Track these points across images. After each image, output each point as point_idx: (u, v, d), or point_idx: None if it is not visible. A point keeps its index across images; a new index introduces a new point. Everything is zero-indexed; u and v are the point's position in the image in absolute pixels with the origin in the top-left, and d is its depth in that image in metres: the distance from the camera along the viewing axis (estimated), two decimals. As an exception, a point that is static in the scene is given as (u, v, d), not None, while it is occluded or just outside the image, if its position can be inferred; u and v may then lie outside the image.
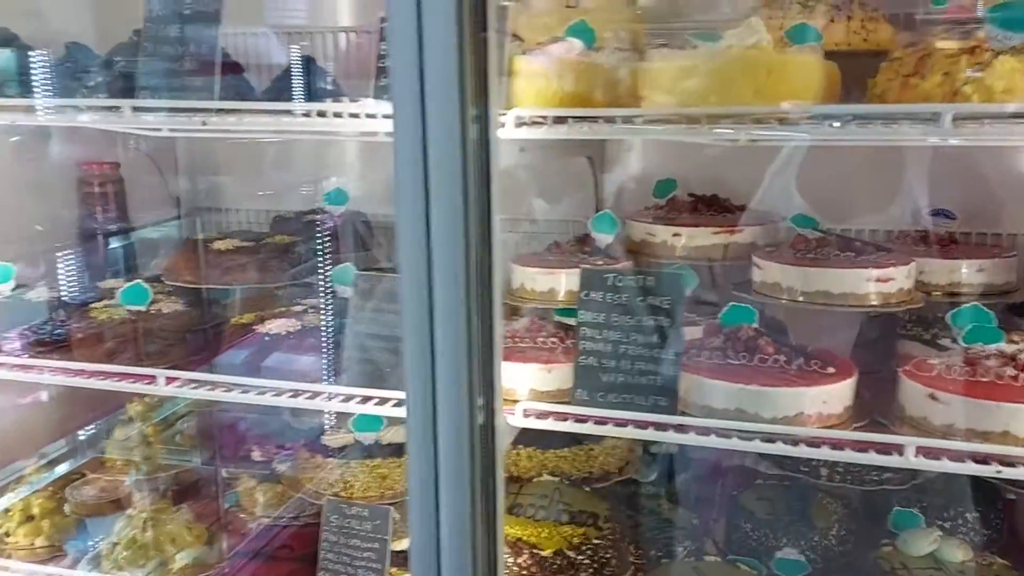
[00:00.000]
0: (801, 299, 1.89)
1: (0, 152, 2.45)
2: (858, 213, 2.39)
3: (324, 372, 1.86)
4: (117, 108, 1.81)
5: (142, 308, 2.05)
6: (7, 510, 2.24)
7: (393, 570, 1.92)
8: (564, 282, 2.03)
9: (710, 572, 1.91)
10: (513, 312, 2.16)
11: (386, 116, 1.64)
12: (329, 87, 2.29)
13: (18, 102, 1.94)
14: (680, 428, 1.60)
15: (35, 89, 1.95)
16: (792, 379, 1.62)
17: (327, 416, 2.32)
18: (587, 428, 1.65)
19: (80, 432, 2.65)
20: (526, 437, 2.14)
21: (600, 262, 2.09)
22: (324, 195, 2.68)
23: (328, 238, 2.54)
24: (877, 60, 1.72)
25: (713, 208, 2.37)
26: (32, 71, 2.02)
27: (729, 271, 2.17)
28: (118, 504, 2.33)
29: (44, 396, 2.53)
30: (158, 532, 2.10)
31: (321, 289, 2.31)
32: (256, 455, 2.47)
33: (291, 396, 1.79)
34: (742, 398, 1.58)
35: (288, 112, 1.75)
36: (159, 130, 2.05)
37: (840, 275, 1.83)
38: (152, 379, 1.87)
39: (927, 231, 2.26)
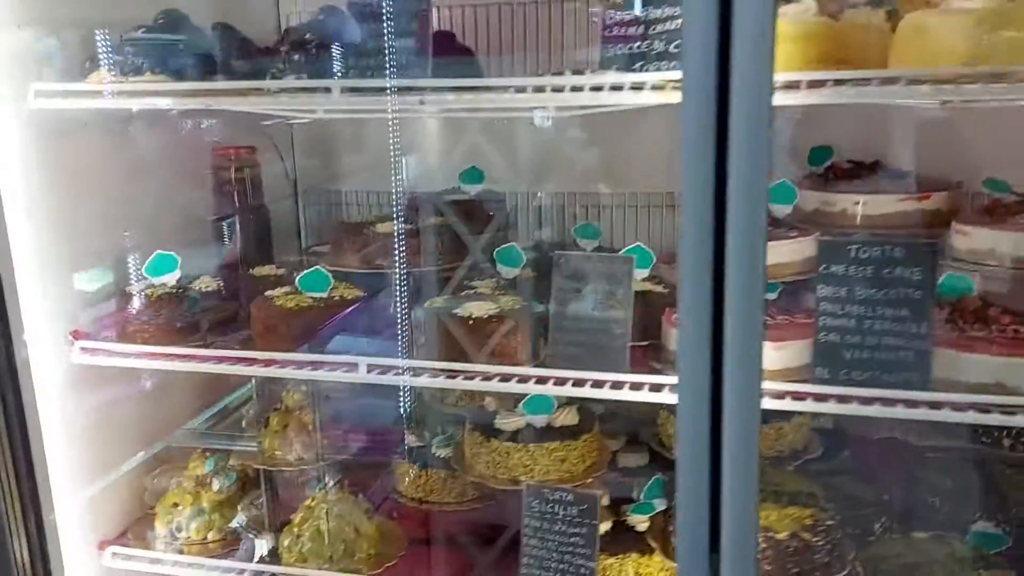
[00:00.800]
0: (1011, 265, 1.82)
1: (125, 139, 2.37)
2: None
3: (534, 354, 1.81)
4: (326, 90, 1.74)
5: (323, 295, 1.99)
6: (176, 503, 2.20)
7: (597, 555, 1.88)
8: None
9: (925, 548, 1.85)
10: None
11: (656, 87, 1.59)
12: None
13: (196, 86, 1.87)
14: (934, 405, 1.53)
15: (213, 72, 1.88)
16: (1050, 350, 1.55)
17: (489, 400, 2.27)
18: (827, 407, 1.59)
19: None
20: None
21: (794, 234, 2.03)
22: (459, 174, 2.63)
23: (473, 218, 2.48)
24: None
25: (877, 175, 2.30)
26: (195, 53, 1.95)
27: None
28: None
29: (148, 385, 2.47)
30: (341, 522, 2.05)
31: (487, 270, 2.26)
32: (411, 440, 2.42)
33: (519, 381, 1.74)
34: (1003, 371, 1.52)
35: (519, 88, 1.66)
36: (314, 111, 2.00)
37: (1066, 240, 1.76)
38: (354, 367, 1.81)
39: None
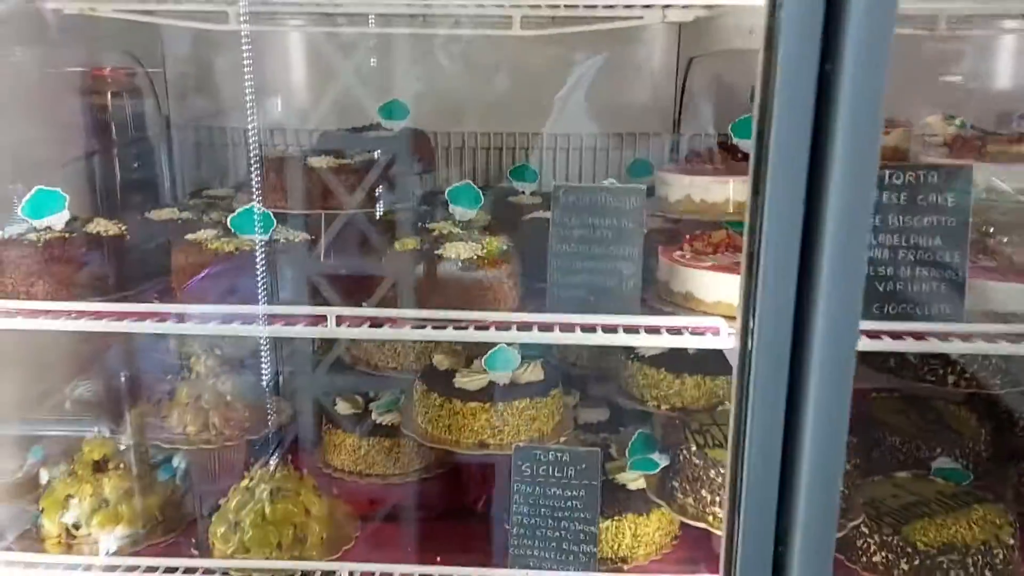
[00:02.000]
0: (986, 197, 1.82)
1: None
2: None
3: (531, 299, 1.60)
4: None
5: (264, 237, 1.67)
6: (69, 495, 1.81)
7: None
8: (733, 191, 1.87)
9: (913, 487, 1.83)
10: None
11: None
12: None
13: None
14: (966, 337, 1.48)
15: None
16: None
17: (440, 358, 2.04)
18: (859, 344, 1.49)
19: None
20: (690, 364, 1.98)
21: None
22: (379, 108, 2.35)
23: (403, 155, 2.23)
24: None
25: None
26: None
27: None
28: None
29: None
30: (288, 503, 1.76)
31: (437, 210, 2.02)
32: (343, 408, 2.15)
33: (520, 328, 1.52)
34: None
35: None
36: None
37: None
38: (322, 320, 1.52)
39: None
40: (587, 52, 2.40)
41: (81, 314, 1.56)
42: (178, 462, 2.01)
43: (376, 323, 1.56)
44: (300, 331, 1.52)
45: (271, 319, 1.55)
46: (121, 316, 1.55)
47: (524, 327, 1.55)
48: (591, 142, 2.59)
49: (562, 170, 2.61)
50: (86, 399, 2.20)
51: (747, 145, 2.01)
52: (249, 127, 2.57)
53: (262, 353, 2.10)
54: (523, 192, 2.35)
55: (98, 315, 1.55)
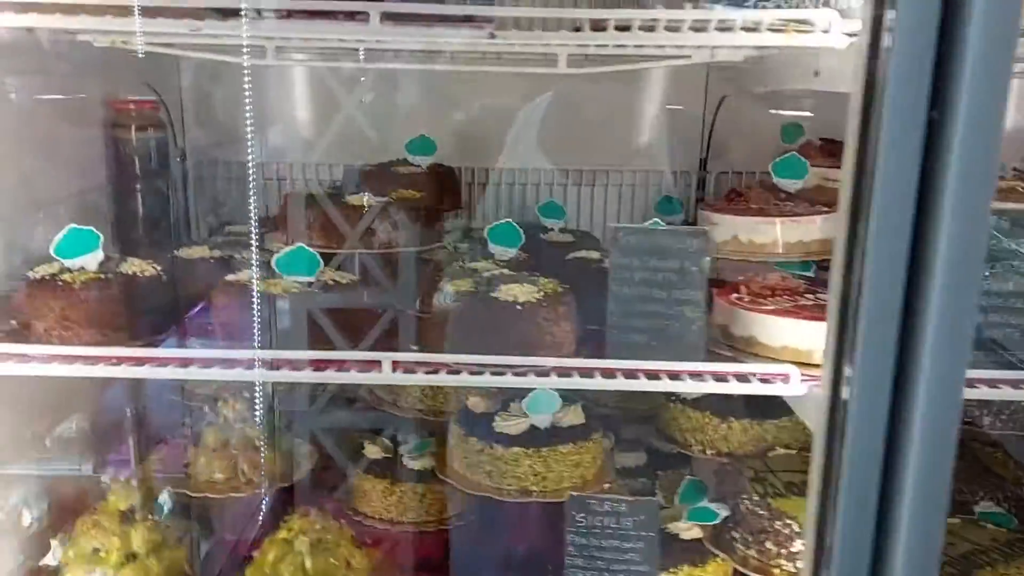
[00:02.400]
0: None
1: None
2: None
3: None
4: (357, 15, 1.35)
5: (310, 279, 1.61)
6: (97, 549, 1.71)
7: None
8: (780, 232, 1.85)
9: (966, 534, 1.80)
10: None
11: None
12: None
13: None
14: (1041, 384, 1.45)
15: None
16: None
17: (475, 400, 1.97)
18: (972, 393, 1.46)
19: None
20: (737, 408, 1.94)
21: (799, 209, 1.93)
22: (406, 144, 2.32)
23: (433, 192, 2.19)
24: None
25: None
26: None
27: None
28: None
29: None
30: (328, 555, 1.68)
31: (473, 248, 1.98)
32: (372, 452, 2.08)
33: (582, 375, 1.47)
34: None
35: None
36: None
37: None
38: (376, 365, 1.46)
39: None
40: (609, 88, 2.38)
41: (121, 359, 1.48)
42: (164, 499, 1.92)
43: (432, 369, 1.50)
44: (353, 377, 1.46)
45: (320, 364, 1.48)
46: (164, 362, 1.48)
47: (586, 373, 1.50)
48: (617, 179, 2.57)
49: (586, 206, 2.58)
50: (67, 438, 2.11)
51: (788, 184, 2.01)
52: (274, 161, 2.53)
53: (291, 397, 2.03)
54: (552, 229, 2.32)
55: (139, 360, 1.48)
